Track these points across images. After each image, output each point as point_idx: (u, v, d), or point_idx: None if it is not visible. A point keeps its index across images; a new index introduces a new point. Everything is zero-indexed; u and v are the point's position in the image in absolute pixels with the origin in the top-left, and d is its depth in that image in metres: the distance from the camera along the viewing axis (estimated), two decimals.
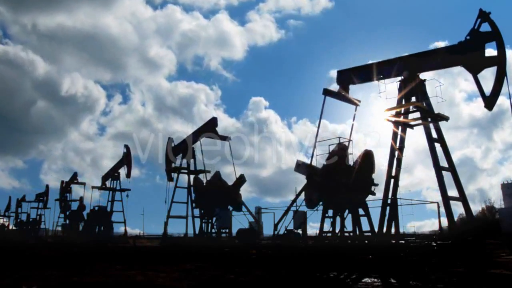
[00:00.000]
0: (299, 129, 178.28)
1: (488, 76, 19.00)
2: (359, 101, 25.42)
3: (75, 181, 63.30)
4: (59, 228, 63.50)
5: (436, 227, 25.16)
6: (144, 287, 12.99)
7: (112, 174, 54.71)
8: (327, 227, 24.71)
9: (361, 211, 23.74)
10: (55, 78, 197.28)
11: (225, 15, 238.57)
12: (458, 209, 49.65)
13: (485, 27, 18.91)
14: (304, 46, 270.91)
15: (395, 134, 22.53)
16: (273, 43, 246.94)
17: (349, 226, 24.18)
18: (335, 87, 25.44)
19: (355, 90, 25.55)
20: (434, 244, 19.37)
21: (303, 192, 25.50)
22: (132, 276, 14.93)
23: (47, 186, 70.58)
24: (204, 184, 39.90)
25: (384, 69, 23.07)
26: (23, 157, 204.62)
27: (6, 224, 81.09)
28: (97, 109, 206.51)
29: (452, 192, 20.57)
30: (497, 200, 56.71)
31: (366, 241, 22.83)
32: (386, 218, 21.55)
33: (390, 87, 22.84)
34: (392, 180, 22.19)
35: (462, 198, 20.73)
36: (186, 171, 42.19)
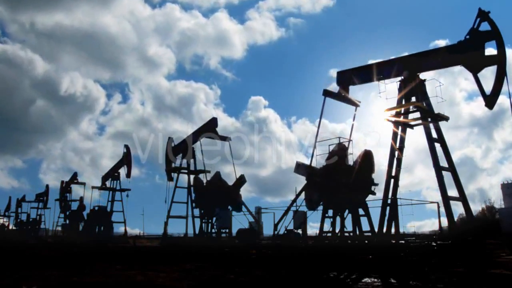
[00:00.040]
0: (299, 128, 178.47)
1: (488, 76, 19.03)
2: (359, 102, 25.47)
3: (75, 181, 63.31)
4: (59, 228, 63.57)
5: (436, 227, 25.19)
6: (144, 287, 12.99)
7: (112, 174, 54.70)
8: (327, 227, 24.75)
9: (361, 211, 23.74)
10: (54, 77, 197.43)
11: (224, 14, 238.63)
12: (458, 209, 49.70)
13: (485, 26, 18.92)
14: (304, 45, 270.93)
15: (395, 134, 22.53)
16: (273, 41, 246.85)
17: (349, 226, 24.22)
18: (334, 86, 25.51)
19: (355, 90, 25.63)
20: (434, 244, 19.37)
21: (303, 192, 25.50)
22: (132, 276, 14.92)
23: (47, 186, 70.72)
24: (204, 184, 39.91)
25: (384, 70, 23.06)
26: (22, 157, 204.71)
27: (6, 224, 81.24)
28: (96, 109, 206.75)
29: (452, 192, 20.61)
30: (497, 200, 56.79)
31: (366, 241, 22.82)
32: (386, 218, 21.55)
33: (390, 87, 22.87)
34: (392, 180, 22.19)
35: (462, 198, 20.73)
36: (186, 171, 42.19)
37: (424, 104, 21.50)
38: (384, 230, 21.52)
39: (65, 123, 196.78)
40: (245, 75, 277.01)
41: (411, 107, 22.21)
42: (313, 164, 24.66)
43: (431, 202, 24.24)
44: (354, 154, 24.82)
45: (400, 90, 22.28)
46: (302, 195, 25.52)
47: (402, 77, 22.11)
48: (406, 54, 23.10)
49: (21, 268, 17.25)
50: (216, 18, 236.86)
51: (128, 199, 54.29)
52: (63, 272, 15.70)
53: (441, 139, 21.33)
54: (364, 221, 23.65)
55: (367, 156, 23.81)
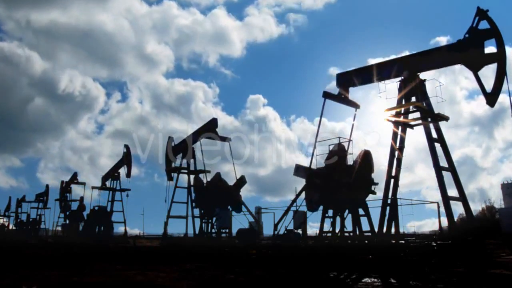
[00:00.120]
0: (298, 127, 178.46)
1: (489, 75, 19.05)
2: (359, 104, 25.49)
3: (75, 181, 63.32)
4: (59, 228, 63.57)
5: (436, 226, 25.20)
6: (144, 287, 12.99)
7: (112, 174, 54.69)
8: (327, 227, 24.75)
9: (361, 211, 23.74)
10: (52, 75, 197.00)
11: (223, 11, 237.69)
12: (458, 209, 49.72)
13: (484, 25, 18.97)
14: (304, 42, 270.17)
15: (395, 134, 22.54)
16: (273, 39, 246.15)
17: (349, 226, 24.22)
18: (334, 84, 25.54)
19: (355, 90, 25.64)
20: (434, 244, 19.37)
21: (303, 192, 25.49)
22: (132, 276, 14.92)
23: (47, 186, 70.72)
24: (204, 184, 39.92)
25: (384, 70, 23.07)
26: (20, 156, 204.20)
27: (6, 224, 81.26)
28: (94, 107, 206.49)
29: (452, 192, 20.61)
30: (497, 200, 56.78)
31: (366, 241, 22.82)
32: (386, 218, 21.56)
33: (390, 87, 22.89)
34: (392, 180, 22.20)
35: (462, 198, 20.73)
36: (186, 171, 42.19)
37: (424, 104, 21.51)
38: (384, 230, 21.53)
39: (63, 122, 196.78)
40: (244, 73, 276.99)
41: (411, 107, 22.22)
42: (313, 164, 24.66)
43: (431, 202, 24.31)
44: (354, 154, 24.87)
45: (400, 90, 22.29)
46: (302, 195, 25.54)
47: (402, 77, 22.12)
48: (406, 52, 23.40)
49: (21, 268, 17.24)
50: (214, 15, 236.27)
51: (128, 199, 54.38)
52: (63, 272, 15.69)
53: (441, 139, 21.33)
54: (364, 221, 23.69)
55: (367, 156, 23.83)
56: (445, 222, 21.67)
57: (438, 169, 20.32)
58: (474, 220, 23.85)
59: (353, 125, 25.91)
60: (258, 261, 20.21)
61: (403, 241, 21.51)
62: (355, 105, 25.51)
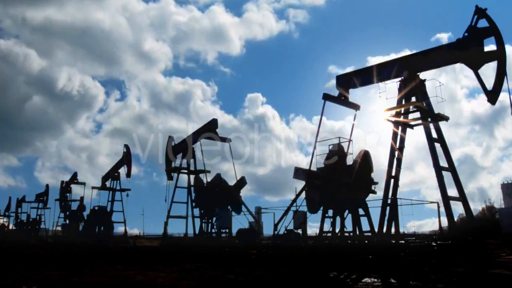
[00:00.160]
0: (296, 126, 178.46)
1: (489, 74, 19.07)
2: (359, 106, 25.46)
3: (75, 181, 63.31)
4: (59, 228, 63.57)
5: (436, 226, 25.19)
6: (144, 287, 12.99)
7: (112, 174, 54.69)
8: (327, 227, 24.73)
9: (361, 211, 23.74)
10: (49, 73, 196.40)
11: (220, 7, 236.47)
12: (458, 208, 49.71)
13: (483, 24, 19.01)
14: (304, 39, 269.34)
15: (395, 134, 22.53)
16: (273, 36, 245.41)
17: (349, 226, 24.21)
18: (334, 83, 25.52)
19: (355, 89, 25.58)
20: (434, 244, 19.37)
21: (303, 192, 25.48)
22: (132, 276, 14.92)
23: (47, 185, 70.69)
24: (205, 184, 39.92)
25: (384, 71, 23.08)
26: (17, 154, 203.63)
27: (6, 224, 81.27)
28: (93, 106, 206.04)
29: (452, 191, 20.61)
30: (497, 199, 56.81)
31: (366, 241, 22.82)
32: (386, 218, 21.56)
33: (390, 87, 22.89)
34: (392, 180, 22.20)
35: (462, 198, 20.73)
36: (186, 171, 42.19)
37: (424, 104, 21.51)
38: (384, 230, 21.52)
39: (61, 120, 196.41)
40: (243, 71, 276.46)
41: (411, 107, 22.22)
42: (313, 164, 24.63)
43: (431, 202, 24.29)
44: (353, 153, 24.85)
45: (400, 90, 22.29)
46: (302, 195, 25.51)
47: (402, 77, 22.12)
48: (406, 49, 23.88)
49: (21, 268, 17.24)
50: (212, 11, 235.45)
51: (128, 198, 54.35)
52: (63, 272, 15.69)
53: (441, 139, 21.33)
54: (364, 221, 23.67)
55: (366, 156, 23.85)
56: (445, 222, 21.69)
57: (438, 169, 20.32)
58: (474, 220, 23.85)
59: (353, 125, 25.94)
60: (258, 261, 20.21)
61: (403, 241, 21.51)
62: (355, 107, 25.51)
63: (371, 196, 23.59)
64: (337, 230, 24.31)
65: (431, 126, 21.39)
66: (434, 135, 21.27)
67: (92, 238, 46.01)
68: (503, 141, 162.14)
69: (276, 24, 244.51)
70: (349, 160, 24.55)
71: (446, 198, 19.83)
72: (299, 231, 27.36)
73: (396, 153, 22.50)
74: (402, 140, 22.73)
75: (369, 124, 34.66)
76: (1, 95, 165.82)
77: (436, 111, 21.39)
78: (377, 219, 22.17)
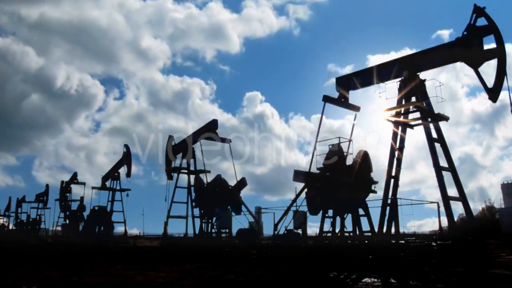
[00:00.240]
0: (295, 124, 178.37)
1: (489, 72, 19.09)
2: (359, 107, 25.45)
3: (75, 181, 63.34)
4: (59, 228, 63.60)
5: (436, 225, 25.19)
6: (144, 287, 12.99)
7: (112, 174, 54.71)
8: (327, 227, 24.73)
9: (361, 211, 23.74)
10: (47, 71, 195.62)
11: (218, 4, 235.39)
12: (458, 208, 49.68)
13: (482, 22, 19.03)
14: (304, 36, 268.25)
15: (395, 134, 22.53)
16: (272, 34, 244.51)
17: (349, 226, 24.21)
18: (333, 81, 25.54)
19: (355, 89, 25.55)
20: (434, 244, 19.38)
21: (303, 192, 25.47)
22: (132, 276, 14.92)
23: (47, 185, 70.76)
24: (205, 184, 39.92)
25: (383, 72, 23.07)
26: (15, 153, 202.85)
27: (6, 224, 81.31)
28: (92, 104, 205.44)
29: (452, 191, 20.61)
30: (497, 199, 56.76)
31: (366, 241, 22.82)
32: (386, 218, 21.56)
33: (390, 87, 22.89)
34: (392, 180, 22.20)
35: (462, 198, 20.73)
36: (186, 171, 42.19)
37: (424, 104, 21.51)
38: (384, 230, 21.52)
39: (60, 119, 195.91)
40: (242, 69, 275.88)
41: (411, 107, 22.22)
42: (313, 164, 24.61)
43: (431, 202, 24.27)
44: (353, 153, 24.84)
45: (400, 90, 22.29)
46: (302, 195, 25.50)
47: (402, 77, 22.12)
48: (407, 48, 23.76)
49: (21, 268, 17.24)
50: (210, 8, 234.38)
51: (128, 198, 54.35)
52: (63, 272, 15.69)
53: (441, 139, 21.33)
54: (364, 221, 23.66)
55: (366, 156, 23.86)
56: (445, 222, 21.68)
57: (438, 169, 20.32)
58: (474, 220, 23.85)
59: (353, 125, 25.94)
60: (258, 261, 20.21)
61: (403, 241, 21.51)
62: (355, 108, 25.51)
63: (371, 196, 23.60)
64: (337, 230, 24.31)
65: (431, 126, 21.38)
66: (434, 135, 21.27)
67: (92, 238, 46.03)
68: (504, 140, 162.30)
69: (276, 21, 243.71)
70: (349, 160, 24.57)
71: (446, 198, 19.83)
72: (299, 231, 27.37)
73: (396, 153, 22.50)
74: (402, 140, 22.74)
75: (369, 124, 34.64)
76: None
77: (436, 111, 21.38)
78: (377, 219, 22.20)
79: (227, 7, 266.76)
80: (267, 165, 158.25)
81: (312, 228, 38.82)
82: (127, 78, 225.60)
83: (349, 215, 24.04)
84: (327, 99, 24.72)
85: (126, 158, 52.26)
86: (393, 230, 21.53)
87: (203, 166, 41.64)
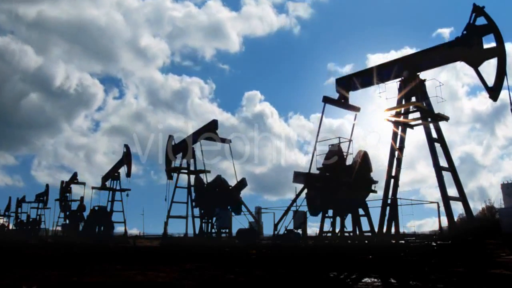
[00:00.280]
0: (295, 124, 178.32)
1: (489, 71, 19.09)
2: (359, 108, 25.46)
3: (75, 181, 63.35)
4: (59, 228, 63.59)
5: (436, 225, 25.20)
6: (144, 287, 12.99)
7: (112, 174, 54.71)
8: (327, 227, 24.73)
9: (361, 211, 23.74)
10: (46, 70, 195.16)
11: (217, 3, 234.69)
12: (458, 208, 49.68)
13: (481, 22, 19.05)
14: (304, 34, 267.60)
15: (395, 134, 22.54)
16: (272, 32, 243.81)
17: (349, 226, 24.21)
18: (332, 81, 25.52)
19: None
20: (434, 244, 19.38)
21: (303, 192, 25.47)
22: (132, 276, 14.92)
23: (47, 185, 70.76)
24: (205, 184, 39.92)
25: (383, 72, 23.08)
26: (14, 153, 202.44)
27: (6, 224, 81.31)
28: (91, 104, 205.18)
29: (452, 191, 20.62)
30: (497, 199, 56.75)
31: (366, 241, 22.82)
32: (386, 218, 21.56)
33: (390, 87, 22.91)
34: (392, 180, 22.20)
35: (462, 198, 20.73)
36: (186, 171, 42.18)
37: (424, 104, 21.52)
38: (384, 230, 21.53)
39: (59, 118, 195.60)
40: (241, 68, 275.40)
41: (411, 107, 22.23)
42: (313, 165, 24.59)
43: (431, 202, 24.29)
44: (353, 153, 24.84)
45: (400, 90, 22.30)
46: (302, 195, 25.50)
47: (402, 77, 22.12)
48: (407, 47, 23.65)
49: (21, 268, 17.24)
50: (209, 6, 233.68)
51: (128, 198, 54.33)
52: (63, 272, 15.69)
53: (441, 139, 21.34)
54: (364, 221, 23.68)
55: (366, 156, 23.87)
56: (445, 222, 21.68)
57: (438, 169, 20.32)
58: (474, 220, 23.85)
59: (353, 125, 25.95)
60: (258, 261, 20.21)
61: (403, 241, 21.51)
62: (355, 109, 25.52)
63: (371, 196, 23.62)
64: (337, 230, 24.31)
65: (431, 126, 21.39)
66: (434, 135, 21.27)
67: (92, 238, 46.02)
68: (504, 140, 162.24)
69: (276, 19, 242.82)
70: (349, 160, 24.57)
71: (446, 198, 19.84)
72: (299, 231, 27.36)
73: (396, 153, 22.51)
74: (402, 140, 22.74)
75: (369, 124, 34.68)
76: None
77: (436, 111, 21.39)
78: (377, 219, 22.21)
79: (226, 5, 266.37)
80: (267, 165, 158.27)
81: (312, 228, 38.86)
82: (126, 77, 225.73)
83: (349, 215, 24.05)
84: (327, 100, 24.70)
85: (126, 158, 52.25)
86: (393, 230, 21.54)
87: (203, 166, 41.71)
